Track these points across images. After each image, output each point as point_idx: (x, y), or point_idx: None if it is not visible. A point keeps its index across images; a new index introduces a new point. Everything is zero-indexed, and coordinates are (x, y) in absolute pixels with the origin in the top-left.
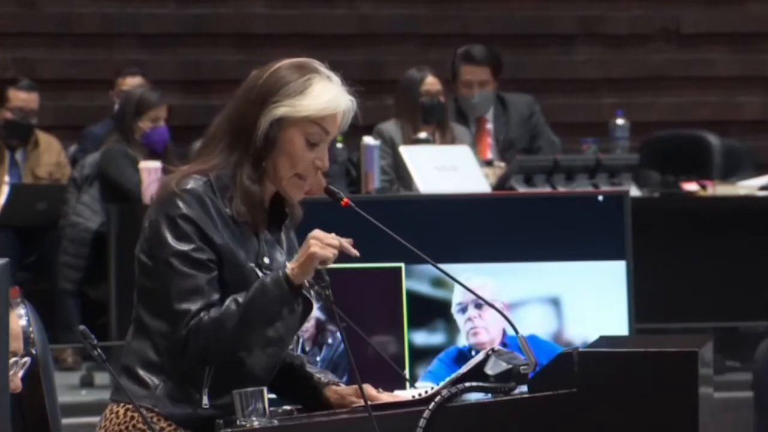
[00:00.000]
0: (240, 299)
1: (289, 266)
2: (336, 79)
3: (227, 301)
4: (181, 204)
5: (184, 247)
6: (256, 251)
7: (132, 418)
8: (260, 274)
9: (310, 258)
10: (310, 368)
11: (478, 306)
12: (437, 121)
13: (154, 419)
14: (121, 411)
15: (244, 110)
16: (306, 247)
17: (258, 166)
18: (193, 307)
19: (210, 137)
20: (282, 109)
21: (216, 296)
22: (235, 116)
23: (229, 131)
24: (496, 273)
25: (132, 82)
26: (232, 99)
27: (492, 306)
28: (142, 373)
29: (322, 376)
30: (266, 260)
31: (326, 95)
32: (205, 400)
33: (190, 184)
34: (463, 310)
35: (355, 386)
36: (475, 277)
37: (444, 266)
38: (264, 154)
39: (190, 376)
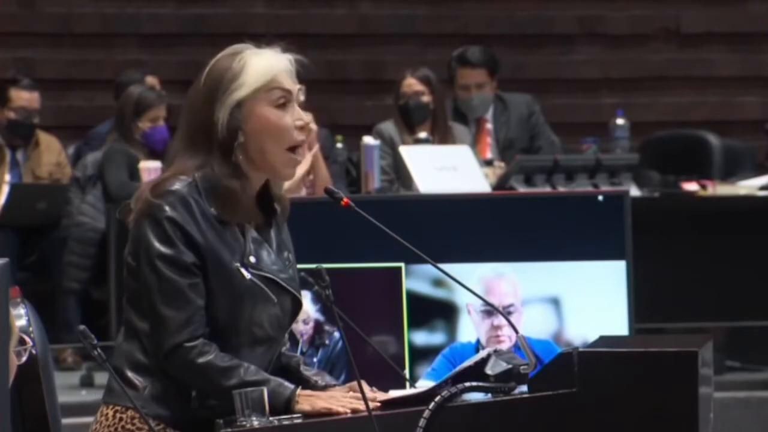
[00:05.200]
0: (248, 375)
1: (301, 397)
2: (266, 48)
3: (235, 361)
4: (166, 206)
5: (168, 250)
6: (242, 250)
7: (120, 420)
8: (246, 273)
9: (322, 409)
10: (306, 371)
11: (509, 314)
12: (418, 122)
13: (142, 420)
14: (110, 413)
15: (196, 116)
16: (325, 400)
17: (228, 160)
18: (179, 315)
19: (171, 156)
20: (234, 95)
21: (200, 302)
22: (189, 125)
23: (186, 140)
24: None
25: (152, 81)
26: (182, 111)
27: (494, 307)
28: (130, 374)
29: (319, 379)
30: (252, 259)
31: (263, 61)
32: (195, 402)
33: (176, 185)
34: (490, 313)
35: (350, 385)
36: (509, 273)
37: (444, 266)
38: (231, 144)
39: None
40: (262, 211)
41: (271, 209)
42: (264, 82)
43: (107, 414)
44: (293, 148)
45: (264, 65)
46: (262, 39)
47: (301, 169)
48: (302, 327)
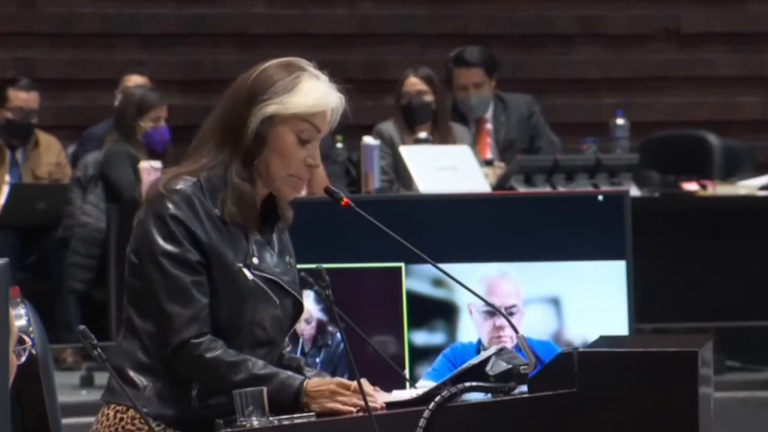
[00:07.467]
0: (256, 369)
1: (309, 388)
2: (324, 77)
3: (243, 356)
4: (169, 204)
5: (172, 247)
6: (245, 251)
7: (121, 420)
8: (248, 274)
9: (329, 410)
10: (307, 372)
11: (511, 314)
12: (421, 122)
13: (142, 420)
14: (111, 413)
15: (233, 110)
16: (330, 399)
17: (248, 165)
18: (185, 312)
19: (199, 139)
20: (272, 107)
21: (205, 301)
22: (224, 116)
23: (219, 131)
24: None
25: (137, 81)
26: (221, 100)
27: (494, 308)
28: (132, 374)
29: (319, 379)
30: (255, 261)
31: (316, 92)
32: (195, 401)
33: (180, 185)
34: (492, 314)
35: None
36: (510, 272)
37: (444, 266)
38: (255, 152)
39: (180, 376)
40: (266, 216)
41: (274, 215)
42: (304, 112)
43: (108, 414)
44: (293, 175)
45: (315, 96)
46: (262, 39)
47: None
48: (304, 326)
